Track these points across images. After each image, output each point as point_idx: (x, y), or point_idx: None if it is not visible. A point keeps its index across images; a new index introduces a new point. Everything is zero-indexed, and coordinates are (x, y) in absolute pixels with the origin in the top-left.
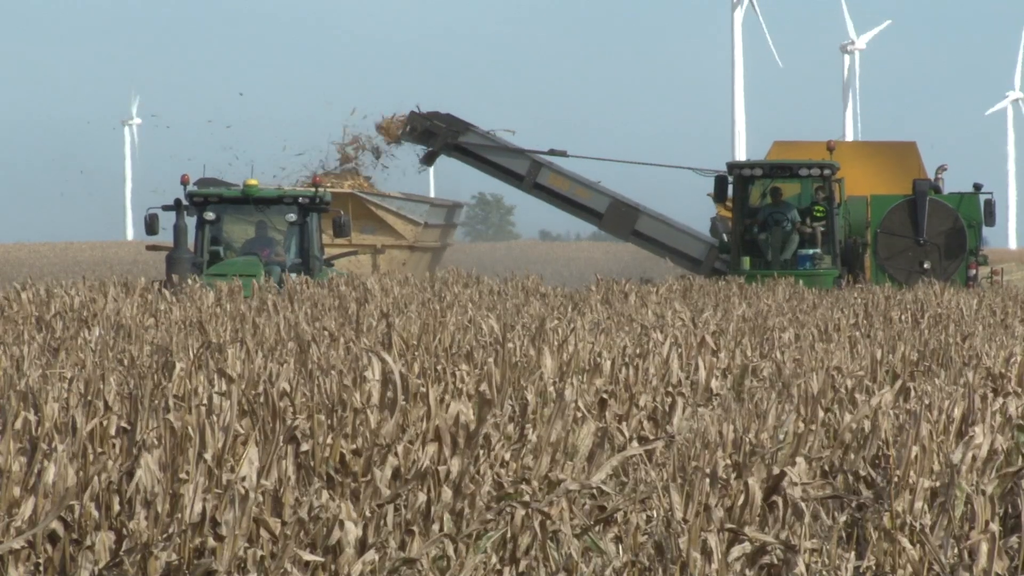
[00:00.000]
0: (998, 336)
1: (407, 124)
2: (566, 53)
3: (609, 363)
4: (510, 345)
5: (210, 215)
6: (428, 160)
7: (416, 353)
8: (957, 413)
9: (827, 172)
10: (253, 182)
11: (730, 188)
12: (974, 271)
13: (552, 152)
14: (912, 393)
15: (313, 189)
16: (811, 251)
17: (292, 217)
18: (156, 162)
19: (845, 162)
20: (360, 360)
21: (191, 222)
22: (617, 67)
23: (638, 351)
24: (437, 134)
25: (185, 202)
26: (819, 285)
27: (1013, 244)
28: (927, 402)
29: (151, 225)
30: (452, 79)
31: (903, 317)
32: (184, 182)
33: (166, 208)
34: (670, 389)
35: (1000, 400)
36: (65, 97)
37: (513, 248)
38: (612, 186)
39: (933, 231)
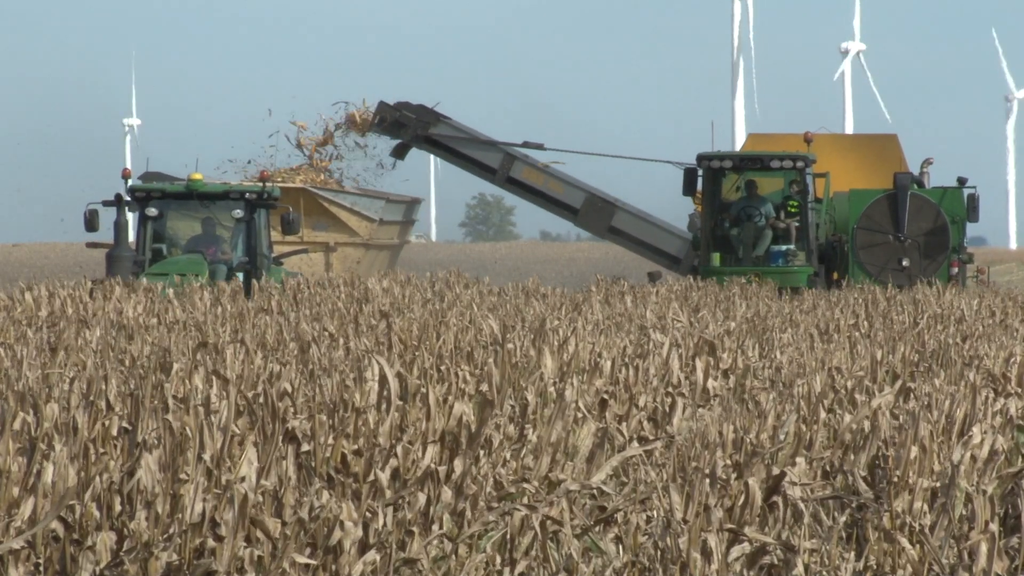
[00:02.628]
0: (998, 336)
1: (376, 115)
2: (559, 45)
3: (609, 363)
4: (510, 346)
5: (152, 211)
6: (398, 153)
7: (416, 353)
8: (959, 414)
9: (801, 164)
10: (198, 176)
11: (700, 181)
12: (956, 269)
13: (527, 144)
14: (912, 394)
15: (260, 184)
16: (784, 247)
17: (239, 213)
18: (158, 163)
19: (824, 156)
20: (361, 361)
21: (133, 218)
22: (615, 62)
23: (638, 351)
24: (407, 125)
25: (126, 197)
26: (791, 283)
27: (1013, 244)
28: (927, 403)
29: (91, 221)
30: (431, 72)
31: (903, 318)
32: (125, 176)
33: (107, 204)
34: (670, 390)
35: (1000, 401)
36: (65, 97)
37: (513, 248)
38: (596, 183)
39: (914, 227)
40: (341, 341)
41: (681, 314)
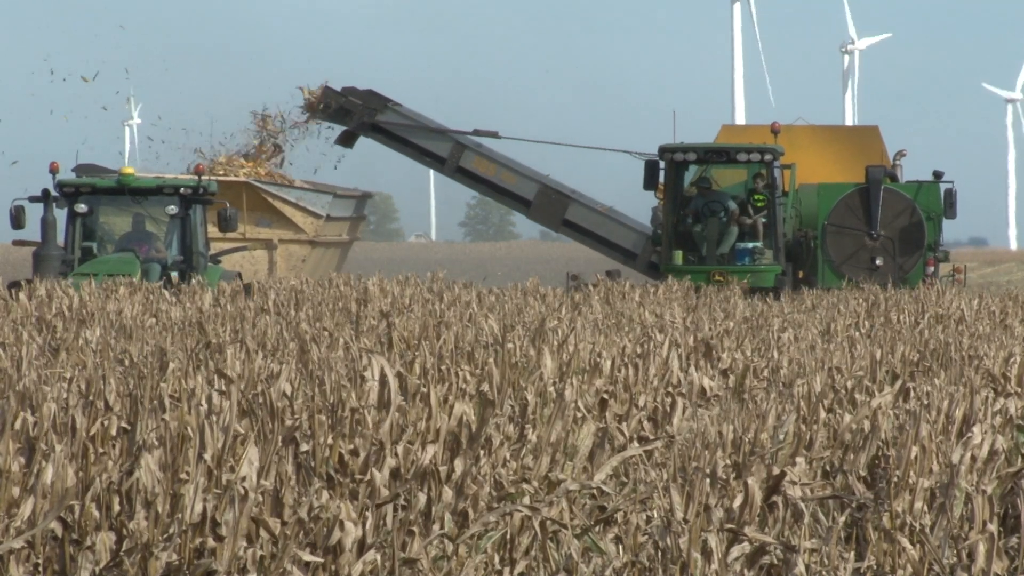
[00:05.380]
0: (998, 336)
1: (320, 101)
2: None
3: (609, 363)
4: (510, 345)
5: (82, 207)
6: (345, 141)
7: (417, 353)
8: (958, 413)
9: (768, 157)
10: (129, 170)
11: (662, 174)
12: (932, 268)
13: (478, 133)
14: (912, 393)
15: (196, 178)
16: (750, 245)
17: (173, 209)
18: (156, 162)
19: (800, 148)
20: (359, 361)
21: (62, 215)
22: (611, 56)
23: (638, 351)
24: (353, 112)
25: (54, 193)
26: (758, 283)
27: (1013, 244)
28: (927, 403)
29: (17, 219)
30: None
31: (902, 317)
32: (53, 170)
33: (33, 200)
34: (670, 389)
35: (1000, 400)
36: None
37: (513, 248)
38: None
39: (888, 224)
40: (341, 341)
41: (681, 314)
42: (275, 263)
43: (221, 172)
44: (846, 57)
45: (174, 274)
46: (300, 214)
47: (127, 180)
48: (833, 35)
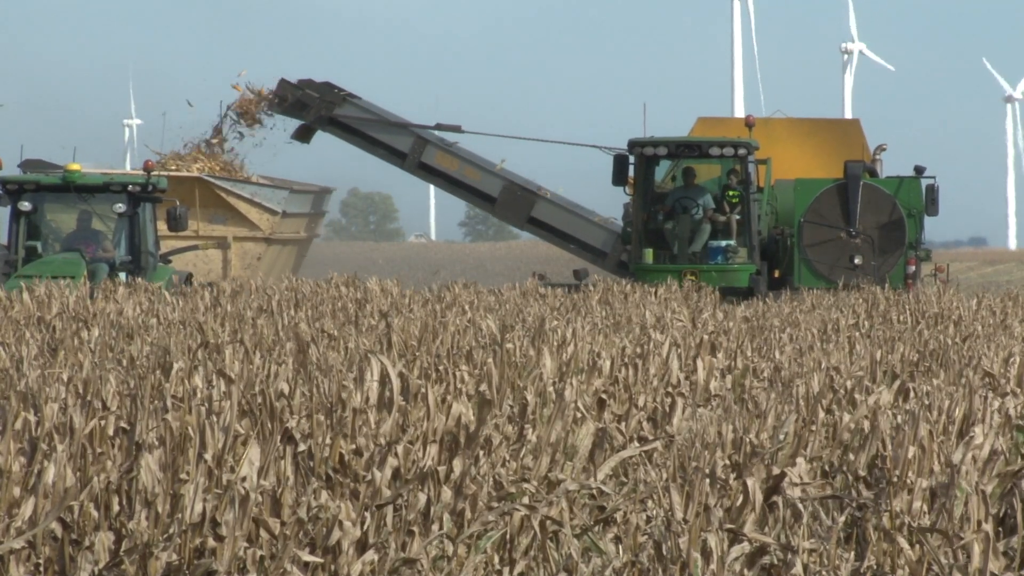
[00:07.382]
0: (997, 336)
1: (276, 94)
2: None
3: (608, 363)
4: (509, 346)
5: (26, 205)
6: (301, 136)
7: (416, 353)
8: (958, 413)
9: (742, 151)
10: (75, 167)
11: (632, 169)
12: (913, 267)
13: (440, 127)
14: (912, 393)
15: (144, 175)
16: (724, 243)
17: (121, 207)
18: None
19: (777, 141)
20: (359, 361)
21: (5, 213)
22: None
23: (638, 351)
24: (310, 105)
25: None
26: (732, 282)
27: (1013, 244)
28: (926, 402)
29: None
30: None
31: (902, 317)
32: None
33: None
34: (670, 390)
35: (999, 400)
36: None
37: (513, 248)
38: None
39: (867, 221)
40: (341, 341)
41: (684, 312)
42: (229, 262)
43: (174, 167)
44: (846, 56)
45: (122, 275)
46: (255, 210)
47: (73, 177)
48: (833, 34)
